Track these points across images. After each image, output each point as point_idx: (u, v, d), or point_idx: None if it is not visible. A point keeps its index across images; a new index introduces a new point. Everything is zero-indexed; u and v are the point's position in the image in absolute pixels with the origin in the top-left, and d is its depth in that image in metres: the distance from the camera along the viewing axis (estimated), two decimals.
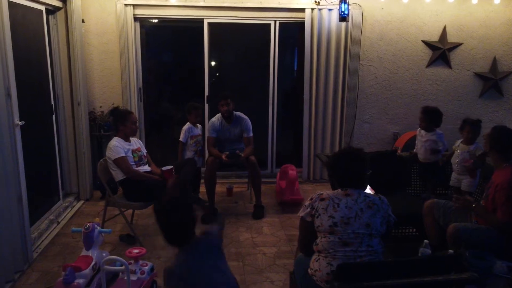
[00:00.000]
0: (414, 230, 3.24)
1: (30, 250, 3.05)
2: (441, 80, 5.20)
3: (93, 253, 2.74)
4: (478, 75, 5.20)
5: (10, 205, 2.79)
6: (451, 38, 5.06)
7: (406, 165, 3.78)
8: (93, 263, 2.67)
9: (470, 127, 3.36)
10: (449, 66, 5.14)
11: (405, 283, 1.61)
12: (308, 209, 2.03)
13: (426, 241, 2.41)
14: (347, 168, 2.09)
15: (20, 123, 2.88)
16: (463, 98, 5.25)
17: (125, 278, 2.49)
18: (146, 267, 2.64)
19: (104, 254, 2.82)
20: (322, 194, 2.04)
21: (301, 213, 2.07)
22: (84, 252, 2.75)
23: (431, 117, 3.63)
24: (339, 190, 2.06)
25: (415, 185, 3.82)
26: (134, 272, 2.57)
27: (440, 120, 3.61)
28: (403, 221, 3.21)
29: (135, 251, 2.67)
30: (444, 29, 5.02)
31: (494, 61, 5.15)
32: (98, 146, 4.64)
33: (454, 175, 3.40)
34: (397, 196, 3.35)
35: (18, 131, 2.86)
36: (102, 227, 3.16)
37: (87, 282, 2.58)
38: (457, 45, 5.09)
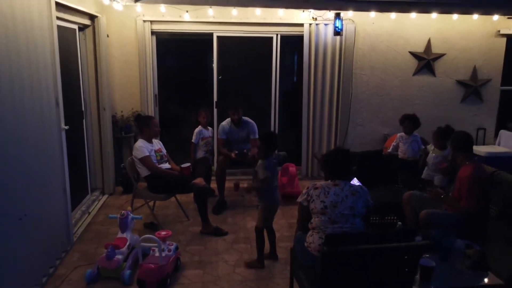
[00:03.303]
0: (395, 218, 3.79)
1: (72, 234, 3.61)
2: (427, 87, 5.74)
3: (127, 235, 3.29)
4: (460, 83, 5.75)
5: (57, 196, 3.34)
6: (435, 49, 5.61)
7: (391, 164, 4.34)
8: (128, 243, 3.23)
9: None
10: (434, 74, 5.69)
11: (376, 248, 2.15)
12: (305, 196, 2.58)
13: (399, 223, 2.97)
14: (336, 163, 2.64)
15: (65, 127, 3.43)
16: (446, 103, 5.80)
17: (156, 255, 3.05)
18: (172, 246, 3.20)
19: (135, 237, 3.37)
20: (316, 184, 2.59)
21: (299, 199, 2.62)
22: (119, 235, 3.30)
23: (413, 122, 4.24)
24: (329, 181, 2.61)
25: (400, 181, 4.37)
26: (163, 250, 3.12)
27: (419, 124, 4.22)
28: (386, 211, 3.75)
29: (163, 233, 3.21)
30: (429, 41, 5.56)
31: (474, 69, 5.70)
32: (119, 147, 5.19)
33: (427, 170, 3.95)
34: (382, 191, 3.90)
35: (63, 134, 3.41)
36: None
37: (124, 258, 3.13)
38: (441, 56, 5.64)
